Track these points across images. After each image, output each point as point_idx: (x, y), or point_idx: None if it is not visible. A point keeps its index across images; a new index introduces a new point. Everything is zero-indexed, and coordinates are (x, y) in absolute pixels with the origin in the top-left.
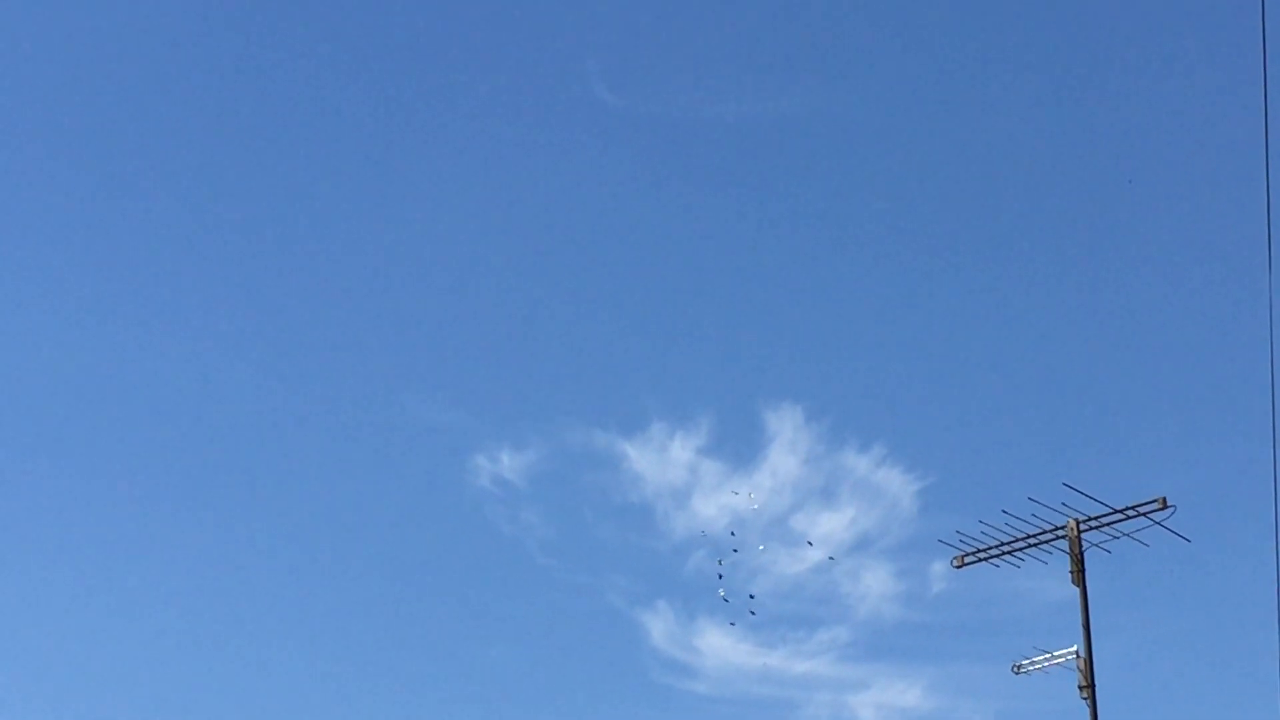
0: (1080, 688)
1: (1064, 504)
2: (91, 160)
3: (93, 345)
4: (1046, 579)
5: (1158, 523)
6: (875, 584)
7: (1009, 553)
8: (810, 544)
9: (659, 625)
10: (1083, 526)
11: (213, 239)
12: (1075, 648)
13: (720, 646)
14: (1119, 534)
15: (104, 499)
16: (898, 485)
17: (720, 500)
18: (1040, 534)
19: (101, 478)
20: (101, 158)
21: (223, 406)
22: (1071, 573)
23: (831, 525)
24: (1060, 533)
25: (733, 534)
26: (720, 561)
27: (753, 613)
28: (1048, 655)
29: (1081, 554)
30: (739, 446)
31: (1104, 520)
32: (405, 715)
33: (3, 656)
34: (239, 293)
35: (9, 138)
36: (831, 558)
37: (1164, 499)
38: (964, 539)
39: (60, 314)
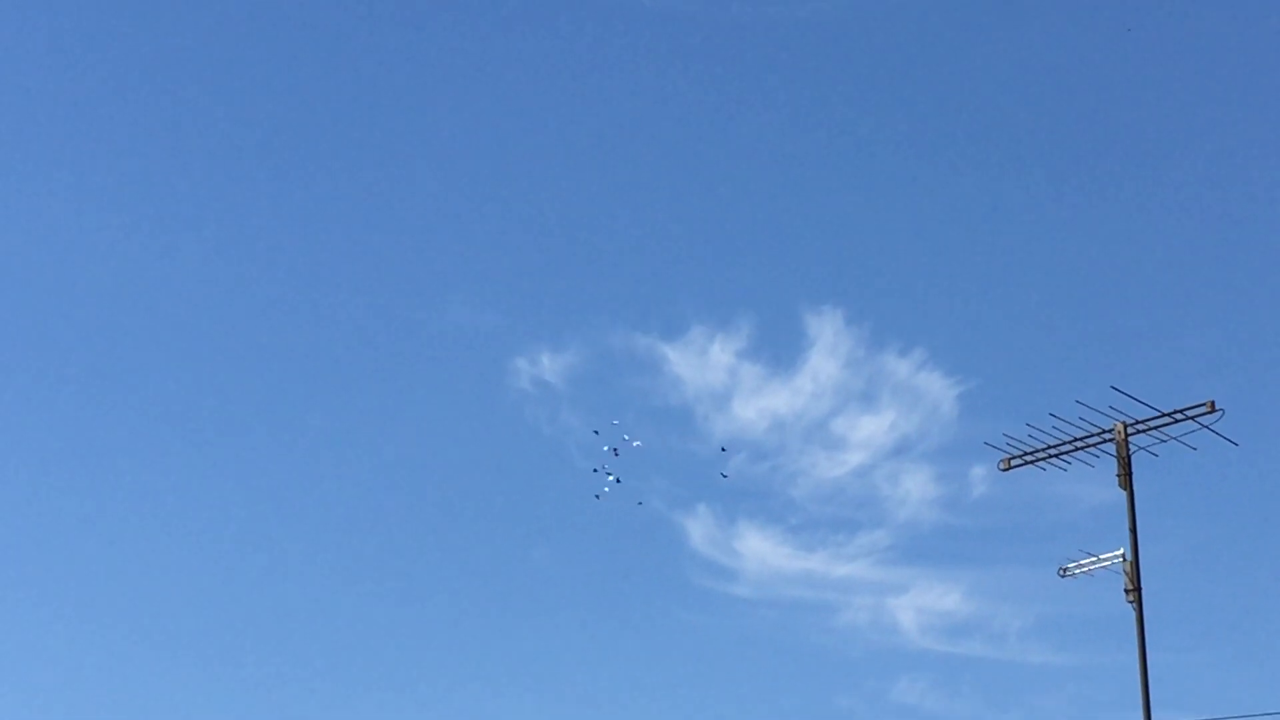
0: (1126, 591)
1: (1111, 407)
2: (133, 65)
3: (129, 253)
4: (1092, 483)
5: (1205, 426)
6: (915, 488)
7: (1056, 456)
8: (724, 449)
9: (699, 528)
10: (1130, 430)
11: (254, 143)
12: (1121, 551)
13: (760, 550)
14: (1166, 437)
15: (145, 409)
16: (938, 389)
17: (761, 404)
18: (1087, 437)
19: (140, 388)
20: (144, 62)
21: (260, 312)
22: (1118, 476)
23: (871, 429)
24: (1107, 436)
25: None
26: (613, 452)
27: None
28: (1094, 559)
29: (1129, 457)
30: (779, 350)
31: (1151, 424)
32: (445, 617)
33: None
34: (276, 198)
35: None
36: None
37: (1212, 403)
38: (1010, 442)
39: (94, 221)
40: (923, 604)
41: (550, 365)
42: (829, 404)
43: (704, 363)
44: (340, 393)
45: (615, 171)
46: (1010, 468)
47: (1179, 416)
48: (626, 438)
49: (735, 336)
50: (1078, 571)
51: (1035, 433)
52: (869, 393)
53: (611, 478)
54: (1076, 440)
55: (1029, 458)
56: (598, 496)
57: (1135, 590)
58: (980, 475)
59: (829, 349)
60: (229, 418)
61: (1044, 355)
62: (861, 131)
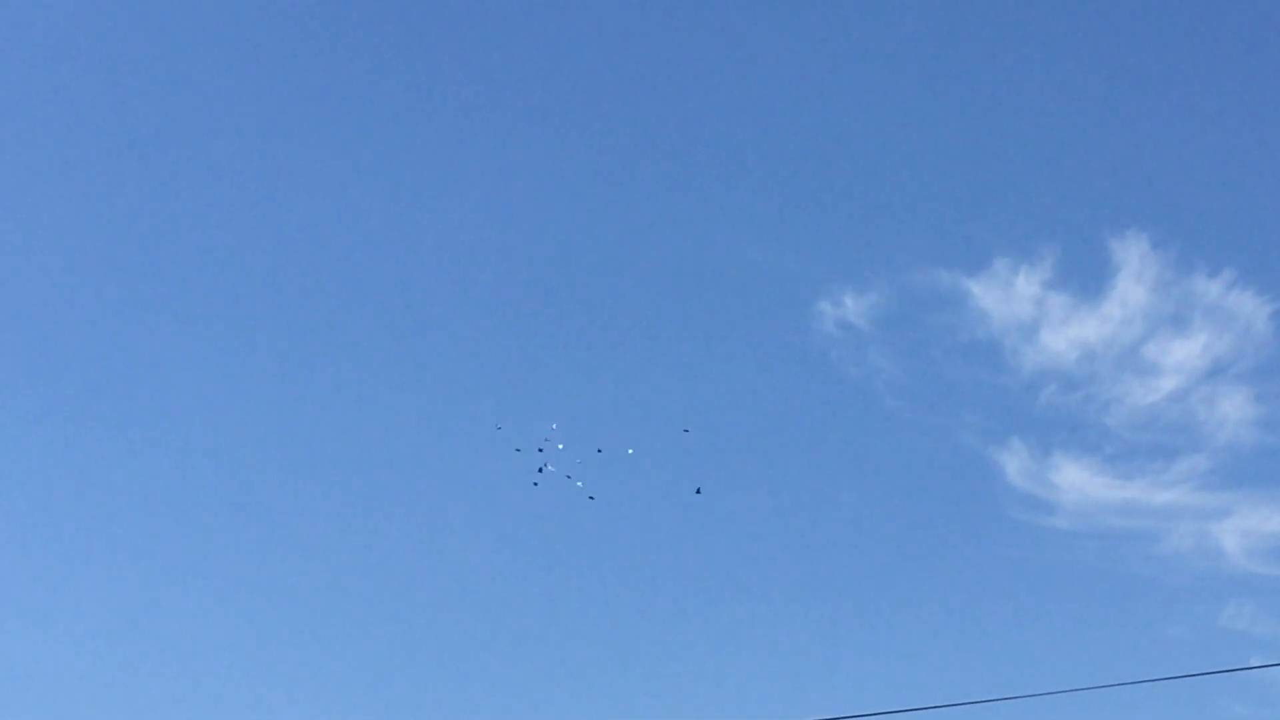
0: None
1: None
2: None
3: (451, 209)
4: None
5: None
6: (1233, 410)
7: None
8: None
9: (1013, 462)
10: None
11: (565, 98)
12: None
13: (1078, 480)
14: None
15: (457, 345)
16: (1251, 308)
17: (1069, 333)
18: None
19: (451, 326)
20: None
21: (562, 257)
22: None
23: (1184, 352)
24: None
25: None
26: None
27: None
28: None
29: None
30: (1085, 278)
31: None
32: (761, 566)
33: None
34: (581, 152)
35: None
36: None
37: None
38: None
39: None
40: (1247, 527)
41: (854, 306)
42: (1139, 330)
43: (1009, 295)
44: (643, 341)
45: (908, 109)
46: None
47: None
48: (548, 439)
49: (1039, 266)
50: None
51: None
52: (1179, 316)
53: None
54: None
55: None
56: (535, 484)
57: None
58: None
59: (1136, 274)
60: (534, 370)
61: None
62: (1161, 52)
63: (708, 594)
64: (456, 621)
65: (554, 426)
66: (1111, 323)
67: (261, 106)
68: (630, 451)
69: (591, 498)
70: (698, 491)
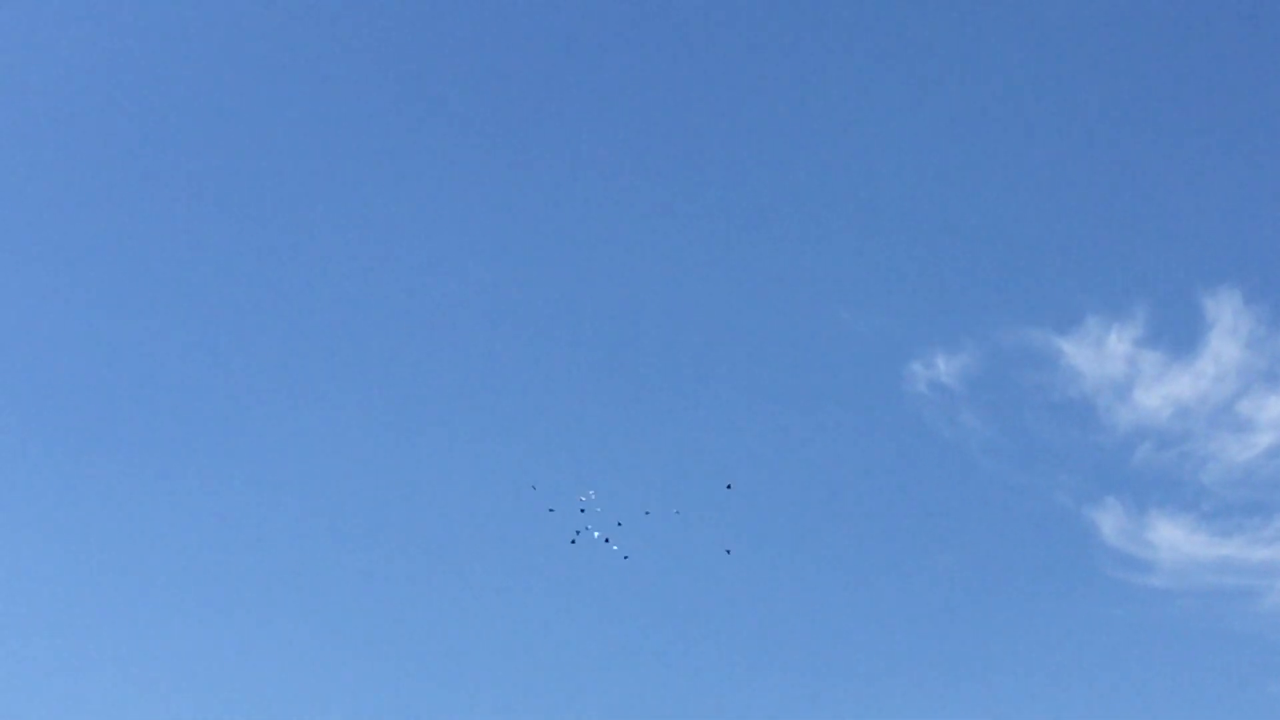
0: None
1: None
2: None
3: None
4: None
5: None
6: None
7: None
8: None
9: (1109, 521)
10: None
11: (646, 152)
12: None
13: (1174, 539)
14: None
15: (561, 384)
16: None
17: (1163, 391)
18: None
19: (574, 366)
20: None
21: (654, 319)
22: None
23: (1279, 408)
24: None
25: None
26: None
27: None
28: None
29: None
30: (1178, 335)
31: None
32: (858, 627)
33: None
34: (670, 212)
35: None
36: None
37: None
38: None
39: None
40: None
41: (945, 367)
42: (1233, 386)
43: (1101, 353)
44: (740, 403)
45: (998, 169)
46: None
47: None
48: (589, 497)
49: (1131, 324)
50: None
51: None
52: (1275, 371)
53: (596, 535)
54: None
55: None
56: (573, 541)
57: None
58: None
59: (1229, 330)
60: (631, 420)
61: None
62: (1244, 106)
63: (802, 653)
64: (492, 679)
65: (592, 493)
66: (1205, 379)
67: (278, 129)
68: (677, 512)
69: (626, 557)
70: (728, 552)
